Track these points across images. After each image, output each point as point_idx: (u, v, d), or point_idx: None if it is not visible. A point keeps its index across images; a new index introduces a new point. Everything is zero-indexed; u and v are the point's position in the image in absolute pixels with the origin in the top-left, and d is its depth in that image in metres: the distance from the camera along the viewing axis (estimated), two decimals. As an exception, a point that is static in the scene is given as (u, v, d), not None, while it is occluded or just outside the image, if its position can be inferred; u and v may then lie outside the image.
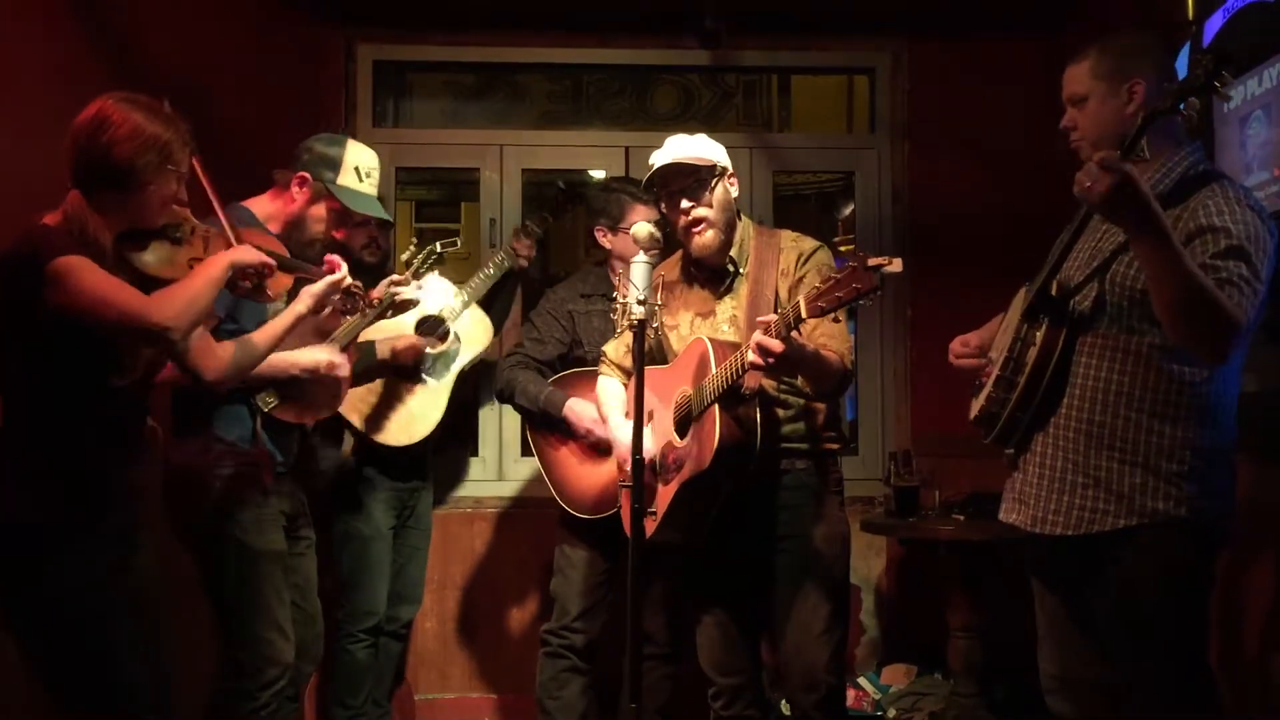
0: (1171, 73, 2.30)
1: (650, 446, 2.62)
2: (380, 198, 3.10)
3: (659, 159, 2.66)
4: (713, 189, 2.65)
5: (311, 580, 3.03)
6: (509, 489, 4.32)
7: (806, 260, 2.67)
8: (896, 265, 2.10)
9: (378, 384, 3.43)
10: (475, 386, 4.20)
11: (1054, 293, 2.23)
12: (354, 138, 3.14)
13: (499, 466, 4.36)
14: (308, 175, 2.88)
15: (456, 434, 4.16)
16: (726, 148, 2.74)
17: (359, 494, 3.50)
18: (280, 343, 2.55)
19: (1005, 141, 4.28)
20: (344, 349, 2.90)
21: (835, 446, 2.74)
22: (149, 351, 2.25)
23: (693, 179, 2.64)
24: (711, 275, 2.75)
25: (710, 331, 2.66)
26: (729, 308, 2.70)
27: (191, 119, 2.29)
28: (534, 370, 3.40)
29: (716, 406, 2.46)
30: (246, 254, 2.33)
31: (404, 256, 3.32)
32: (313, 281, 2.60)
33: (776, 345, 2.27)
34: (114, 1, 3.34)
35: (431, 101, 5.14)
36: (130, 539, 2.23)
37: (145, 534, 2.29)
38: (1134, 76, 2.22)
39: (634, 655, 2.33)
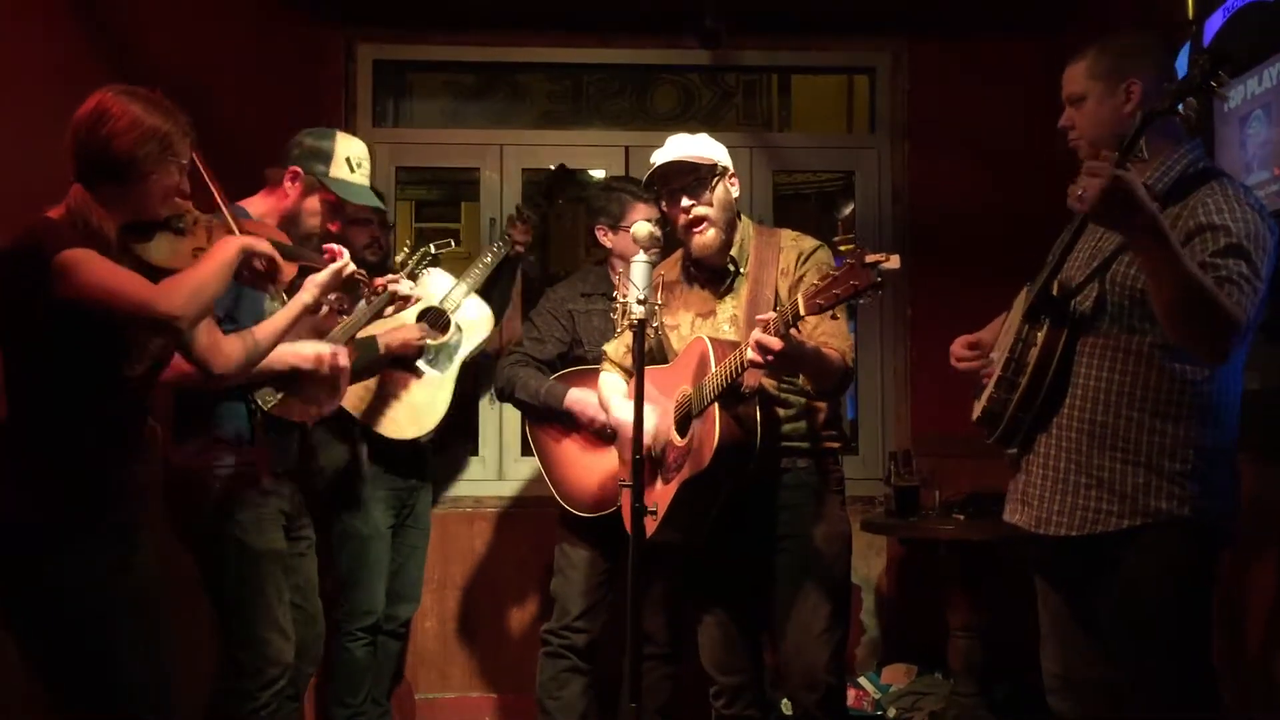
0: (1170, 72, 2.30)
1: (652, 428, 2.60)
2: (379, 194, 3.10)
3: (660, 157, 2.66)
4: (713, 188, 2.65)
5: (312, 581, 3.03)
6: (509, 488, 4.32)
7: (806, 259, 2.67)
8: (894, 262, 2.09)
9: (382, 379, 3.43)
10: (475, 384, 4.20)
11: (1055, 293, 2.23)
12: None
13: (499, 466, 4.36)
14: (299, 170, 2.87)
15: (458, 432, 4.17)
16: (727, 147, 2.74)
17: (358, 493, 3.50)
18: (286, 335, 2.55)
19: (1005, 141, 4.28)
20: (344, 344, 2.90)
21: (836, 446, 2.73)
22: (157, 343, 2.25)
23: (694, 178, 2.64)
24: (712, 275, 2.75)
25: (711, 331, 2.65)
26: (730, 308, 2.70)
27: (191, 119, 2.28)
28: (534, 369, 3.40)
29: (716, 405, 2.46)
30: (257, 240, 2.33)
31: (399, 258, 3.32)
32: (317, 271, 2.60)
33: (775, 343, 2.27)
34: (114, 1, 3.34)
35: (431, 101, 5.14)
36: (130, 539, 2.23)
37: (146, 534, 2.28)
38: (1131, 76, 2.22)
39: (634, 655, 2.33)
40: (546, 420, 3.37)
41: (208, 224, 2.37)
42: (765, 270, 2.68)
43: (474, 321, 3.60)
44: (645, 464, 2.44)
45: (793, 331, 2.30)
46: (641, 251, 2.40)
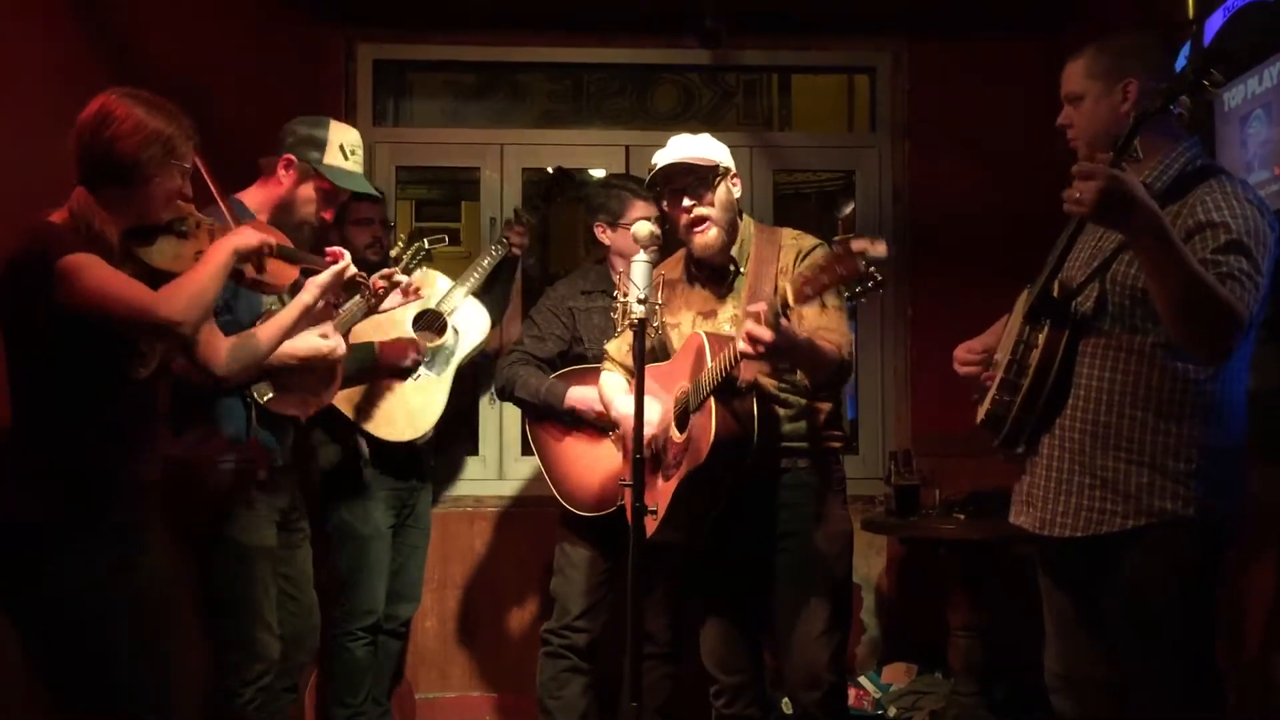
0: (1169, 72, 2.29)
1: (653, 419, 2.60)
2: (377, 189, 3.09)
3: (662, 158, 2.66)
4: (715, 188, 2.65)
5: (306, 572, 3.03)
6: (509, 488, 4.32)
7: (805, 257, 2.67)
8: (880, 249, 2.09)
9: (379, 382, 3.43)
10: (475, 383, 4.20)
11: (1055, 294, 2.22)
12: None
13: (499, 465, 4.36)
14: (293, 157, 2.86)
15: (457, 433, 4.16)
16: (727, 147, 2.74)
17: (358, 493, 3.50)
18: (288, 335, 2.56)
19: (1005, 141, 4.28)
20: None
21: (837, 445, 2.74)
22: (163, 345, 2.25)
23: (695, 178, 2.64)
24: (713, 275, 2.75)
25: (713, 330, 2.65)
26: (731, 307, 2.70)
27: (192, 119, 2.28)
28: (534, 367, 3.40)
29: (712, 399, 2.46)
30: (246, 237, 2.32)
31: (393, 253, 3.32)
32: (317, 273, 2.60)
33: (766, 333, 2.26)
34: (114, 1, 3.34)
35: (432, 101, 5.14)
36: (132, 538, 2.22)
37: (151, 533, 2.28)
38: (1129, 76, 2.21)
39: (634, 655, 2.33)
40: (547, 419, 3.37)
41: (210, 227, 2.37)
42: (766, 268, 2.68)
43: (471, 324, 3.59)
44: (646, 462, 2.44)
45: (788, 324, 2.30)
46: (642, 250, 2.40)
